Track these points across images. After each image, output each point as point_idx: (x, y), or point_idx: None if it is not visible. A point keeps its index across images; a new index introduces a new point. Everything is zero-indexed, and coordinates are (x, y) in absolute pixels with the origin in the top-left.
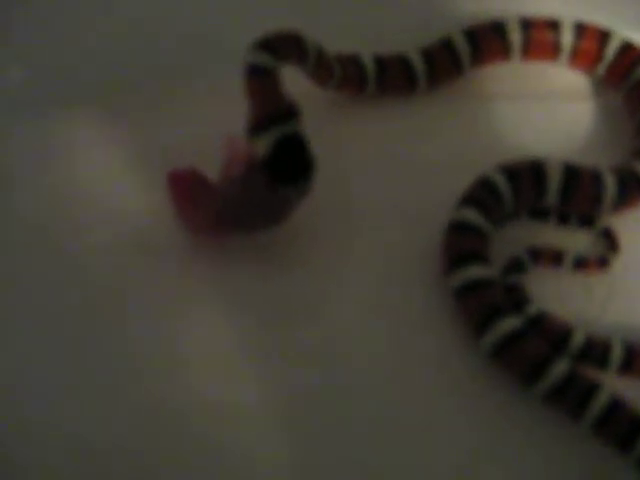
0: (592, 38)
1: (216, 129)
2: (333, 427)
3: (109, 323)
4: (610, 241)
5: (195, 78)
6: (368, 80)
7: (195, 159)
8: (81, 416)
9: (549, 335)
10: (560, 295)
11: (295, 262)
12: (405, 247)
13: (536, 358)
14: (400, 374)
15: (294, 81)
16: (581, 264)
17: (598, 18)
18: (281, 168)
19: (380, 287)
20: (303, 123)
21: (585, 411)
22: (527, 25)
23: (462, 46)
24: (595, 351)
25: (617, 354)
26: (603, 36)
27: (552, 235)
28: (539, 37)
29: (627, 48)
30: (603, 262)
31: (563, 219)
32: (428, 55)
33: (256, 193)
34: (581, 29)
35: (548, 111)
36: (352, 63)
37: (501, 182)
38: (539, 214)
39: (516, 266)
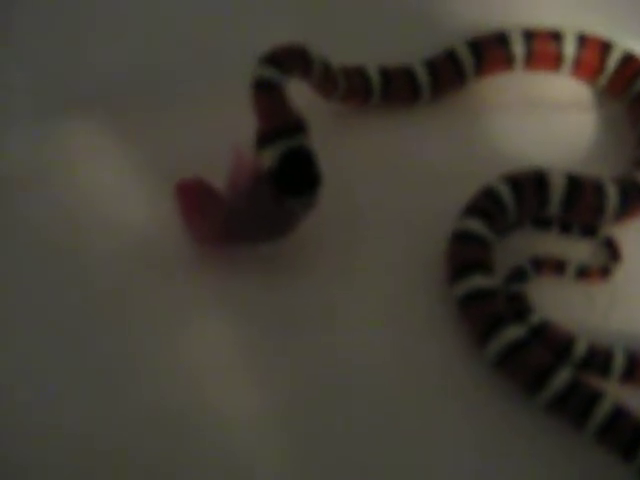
0: (594, 49)
1: (223, 139)
2: (334, 433)
3: (109, 325)
4: (612, 250)
5: (203, 88)
6: (373, 92)
7: (202, 169)
8: (81, 416)
9: (552, 344)
10: (562, 304)
11: (300, 272)
12: (409, 256)
13: (539, 367)
14: (404, 382)
15: (298, 92)
16: (583, 273)
17: (600, 29)
18: (287, 181)
19: (385, 296)
20: (310, 138)
21: (588, 420)
22: (530, 36)
23: (466, 57)
24: (597, 360)
25: (619, 362)
26: (605, 47)
27: (554, 244)
28: (542, 48)
29: (629, 59)
30: (605, 271)
31: (565, 228)
32: (432, 66)
33: (262, 205)
34: (583, 40)
35: (550, 121)
36: (357, 75)
37: (505, 192)
38: (542, 223)
39: (519, 275)
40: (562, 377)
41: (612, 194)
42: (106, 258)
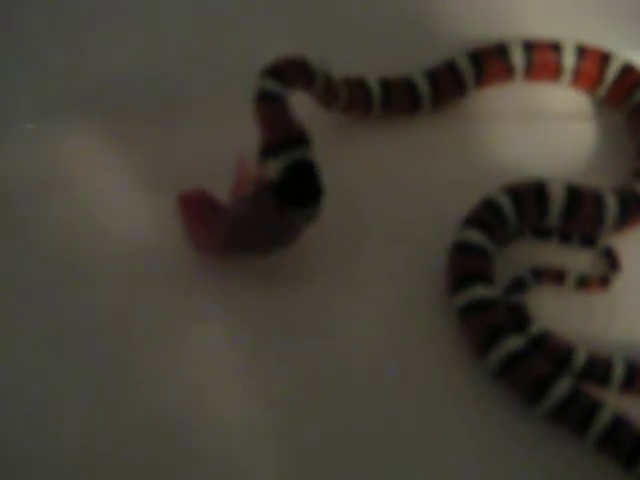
0: (593, 60)
1: (226, 150)
2: (333, 441)
3: (109, 331)
4: (611, 260)
5: (206, 98)
6: (374, 103)
7: (205, 180)
8: (81, 417)
9: (552, 354)
10: (562, 314)
11: (301, 282)
12: (410, 266)
13: (539, 377)
14: (404, 391)
15: (299, 103)
16: (583, 283)
17: (600, 40)
18: (290, 193)
19: (385, 307)
20: (313, 150)
21: (588, 429)
22: (529, 47)
23: (466, 68)
24: (597, 369)
25: (619, 372)
26: (604, 58)
27: (554, 254)
28: (541, 59)
29: (628, 70)
30: (605, 281)
31: (565, 238)
32: (433, 77)
33: (265, 216)
34: (582, 51)
35: (550, 131)
36: (358, 86)
37: (505, 203)
38: (542, 233)
39: (519, 285)
40: (562, 387)
41: (611, 204)
42: (106, 265)
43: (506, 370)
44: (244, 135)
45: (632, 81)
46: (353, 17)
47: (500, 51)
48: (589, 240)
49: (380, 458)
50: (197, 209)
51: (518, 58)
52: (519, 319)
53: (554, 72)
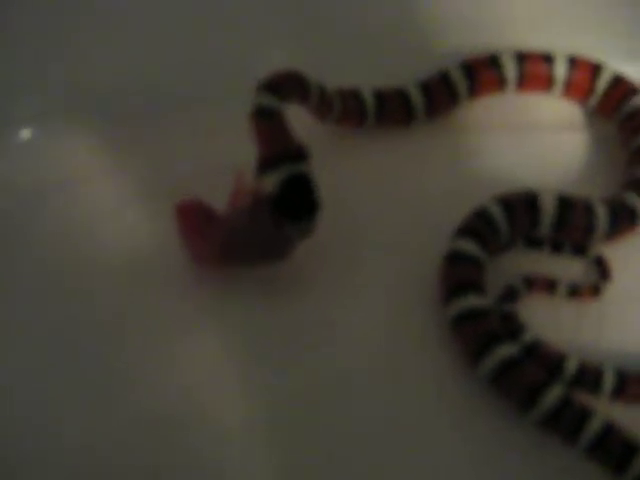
0: (584, 71)
1: (223, 161)
2: (331, 447)
3: (109, 334)
4: (602, 269)
5: (204, 110)
6: (368, 114)
7: (202, 191)
8: (81, 418)
9: (543, 362)
10: (553, 322)
11: (298, 292)
12: (404, 276)
13: (531, 385)
14: (398, 400)
15: (293, 115)
16: (574, 292)
17: (591, 52)
18: (287, 206)
19: (381, 316)
20: (311, 164)
21: (579, 436)
22: (521, 58)
23: (459, 79)
24: (588, 377)
25: (609, 380)
26: (595, 69)
27: (545, 263)
28: (533, 70)
29: (619, 81)
30: (595, 290)
31: (556, 248)
32: (426, 88)
33: (261, 228)
34: (574, 62)
35: (542, 141)
36: (352, 97)
37: (497, 213)
38: (533, 243)
39: (510, 294)
40: (554, 394)
41: (602, 214)
42: (105, 267)
43: (499, 378)
44: (243, 145)
45: (623, 91)
46: (347, 29)
47: (492, 62)
48: (580, 249)
49: (376, 463)
50: (194, 219)
51: (510, 69)
52: (511, 328)
53: (546, 83)
